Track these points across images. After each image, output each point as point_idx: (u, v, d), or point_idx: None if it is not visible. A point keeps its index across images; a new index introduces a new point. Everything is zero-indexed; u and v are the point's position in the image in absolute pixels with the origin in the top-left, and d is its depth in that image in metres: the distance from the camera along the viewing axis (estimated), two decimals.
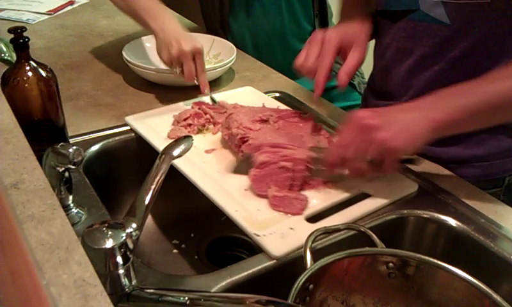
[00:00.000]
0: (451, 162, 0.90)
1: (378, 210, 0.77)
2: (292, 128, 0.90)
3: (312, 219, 0.74)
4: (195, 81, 1.06)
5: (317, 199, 0.78)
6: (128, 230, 0.55)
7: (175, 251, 0.95)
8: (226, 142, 0.90)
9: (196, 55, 1.04)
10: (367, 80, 1.12)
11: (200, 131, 0.96)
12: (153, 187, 0.60)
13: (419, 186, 0.83)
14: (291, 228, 0.72)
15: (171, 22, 1.07)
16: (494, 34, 0.80)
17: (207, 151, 0.90)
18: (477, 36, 0.81)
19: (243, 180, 0.80)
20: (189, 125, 0.96)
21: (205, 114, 0.98)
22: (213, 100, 1.05)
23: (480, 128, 0.82)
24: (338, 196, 0.79)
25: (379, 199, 0.79)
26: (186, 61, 1.02)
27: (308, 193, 0.79)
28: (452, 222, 0.76)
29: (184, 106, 1.03)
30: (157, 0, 1.12)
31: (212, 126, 0.97)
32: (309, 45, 0.90)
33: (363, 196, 0.80)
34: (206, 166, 0.85)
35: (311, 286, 0.59)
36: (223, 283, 0.64)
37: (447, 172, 0.87)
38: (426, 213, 0.77)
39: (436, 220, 0.77)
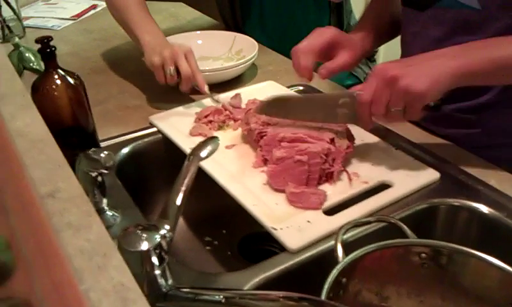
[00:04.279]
0: (485, 144, 0.89)
1: (400, 200, 0.77)
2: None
3: (330, 211, 0.75)
4: (193, 85, 1.04)
5: (335, 191, 0.78)
6: (162, 232, 0.56)
7: (207, 247, 0.96)
8: (246, 138, 0.92)
9: (188, 55, 1.02)
10: None
11: (220, 127, 0.97)
12: (183, 188, 0.61)
13: (447, 173, 0.82)
14: (308, 221, 0.72)
15: (159, 37, 1.08)
16: None
17: (227, 147, 0.91)
18: (507, 19, 0.79)
19: (262, 175, 0.81)
20: (210, 121, 0.97)
21: (225, 110, 0.99)
22: (214, 99, 1.04)
23: (505, 84, 0.82)
24: (357, 187, 0.79)
25: (399, 189, 0.78)
26: (180, 59, 1.00)
27: (326, 186, 0.79)
28: (484, 209, 0.75)
29: (205, 103, 1.05)
30: (147, 13, 1.14)
31: (232, 122, 0.98)
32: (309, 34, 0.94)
33: (383, 187, 0.79)
34: (226, 162, 0.86)
35: (344, 279, 0.59)
36: (256, 279, 0.65)
37: (475, 157, 0.86)
38: (457, 201, 0.76)
39: (467, 208, 0.76)
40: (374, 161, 0.85)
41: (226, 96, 1.06)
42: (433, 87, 0.71)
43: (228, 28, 1.49)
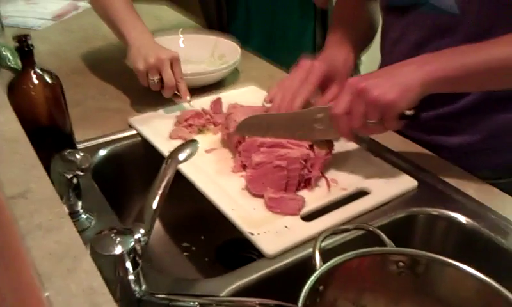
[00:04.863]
0: (465, 150, 0.89)
1: (378, 208, 0.77)
2: None
3: (308, 217, 0.75)
4: (175, 91, 1.03)
5: (313, 197, 0.78)
6: (137, 236, 0.55)
7: (185, 253, 0.95)
8: (226, 142, 0.91)
9: (174, 63, 1.01)
10: None
11: (200, 131, 0.97)
12: (159, 192, 0.60)
13: (426, 182, 0.82)
14: (286, 227, 0.72)
15: (146, 35, 1.07)
16: (503, 21, 0.79)
17: (207, 151, 0.90)
18: (484, 23, 0.80)
19: (241, 180, 0.81)
20: (190, 125, 0.97)
21: (206, 114, 0.99)
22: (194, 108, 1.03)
23: (476, 91, 0.83)
24: (335, 194, 0.79)
25: (376, 197, 0.78)
26: (165, 68, 1.00)
27: (304, 192, 0.79)
28: (462, 219, 0.75)
29: (186, 106, 1.04)
30: (133, 11, 1.13)
31: (212, 126, 0.98)
32: (295, 69, 0.87)
33: (361, 194, 0.79)
34: (205, 166, 0.86)
35: (321, 287, 0.58)
36: (233, 286, 0.64)
37: (453, 166, 0.87)
38: (435, 211, 0.77)
39: (445, 218, 0.76)
40: (353, 168, 0.85)
41: (207, 100, 1.05)
42: (404, 96, 0.71)
43: (211, 28, 1.48)
